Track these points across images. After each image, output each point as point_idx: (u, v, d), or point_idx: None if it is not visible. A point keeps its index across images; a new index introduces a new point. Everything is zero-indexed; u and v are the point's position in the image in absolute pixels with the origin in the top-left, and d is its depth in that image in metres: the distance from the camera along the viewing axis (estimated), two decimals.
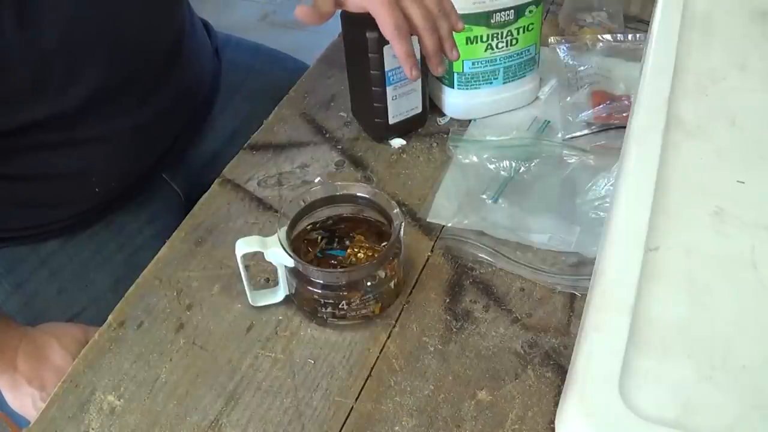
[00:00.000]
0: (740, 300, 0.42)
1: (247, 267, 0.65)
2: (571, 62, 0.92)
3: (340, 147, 0.84)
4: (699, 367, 0.38)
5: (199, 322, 0.67)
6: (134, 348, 0.65)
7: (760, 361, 0.39)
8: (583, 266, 0.69)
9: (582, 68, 0.91)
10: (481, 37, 0.80)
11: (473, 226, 0.73)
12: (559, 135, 0.83)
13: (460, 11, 0.73)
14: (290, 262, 0.62)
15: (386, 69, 0.77)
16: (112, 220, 0.87)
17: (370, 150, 0.84)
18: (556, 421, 0.38)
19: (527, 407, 0.59)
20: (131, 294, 0.70)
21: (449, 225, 0.74)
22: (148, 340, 0.66)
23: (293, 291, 0.66)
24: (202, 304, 0.68)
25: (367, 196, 0.67)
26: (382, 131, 0.83)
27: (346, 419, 0.59)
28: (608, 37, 0.96)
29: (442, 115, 0.88)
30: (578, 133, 0.83)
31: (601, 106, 0.85)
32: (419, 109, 0.83)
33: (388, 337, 0.65)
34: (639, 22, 1.01)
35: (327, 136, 0.86)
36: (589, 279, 0.47)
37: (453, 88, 0.85)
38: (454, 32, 0.72)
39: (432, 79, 0.84)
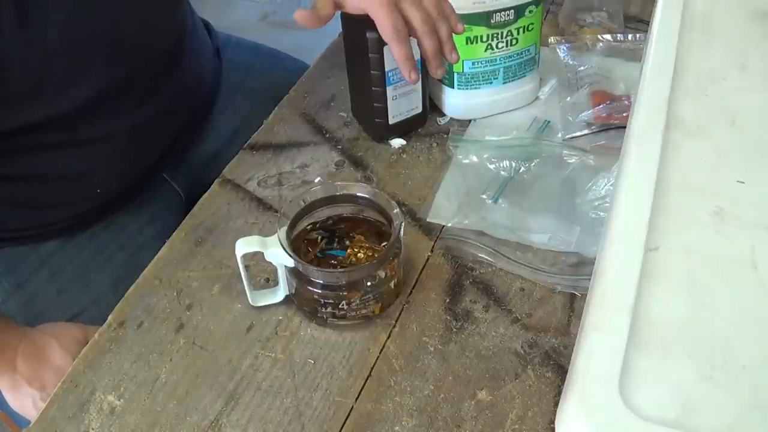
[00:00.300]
0: (740, 300, 0.42)
1: (247, 267, 0.65)
2: (571, 62, 0.92)
3: (340, 147, 0.84)
4: (699, 367, 0.38)
5: (199, 322, 0.67)
6: (134, 348, 0.65)
7: (760, 361, 0.39)
8: (583, 266, 0.69)
9: (582, 68, 0.91)
10: (481, 37, 0.80)
11: (473, 226, 0.73)
12: (559, 135, 0.83)
13: (459, 11, 0.73)
14: (290, 262, 0.62)
15: (386, 69, 0.77)
16: (113, 221, 0.87)
17: (370, 150, 0.84)
18: (556, 421, 0.38)
19: (527, 407, 0.59)
20: (131, 294, 0.70)
21: (449, 225, 0.74)
22: (148, 340, 0.66)
23: (293, 291, 0.66)
24: (202, 304, 0.68)
25: (367, 196, 0.67)
26: (382, 131, 0.83)
27: (346, 419, 0.59)
28: (608, 37, 0.96)
29: (442, 115, 0.88)
30: (578, 133, 0.83)
31: (601, 106, 0.85)
32: (419, 109, 0.83)
33: (388, 337, 0.65)
34: (639, 22, 1.01)
35: (327, 136, 0.86)
36: (589, 279, 0.47)
37: (453, 88, 0.85)
38: (453, 34, 0.72)
39: (432, 79, 0.84)
